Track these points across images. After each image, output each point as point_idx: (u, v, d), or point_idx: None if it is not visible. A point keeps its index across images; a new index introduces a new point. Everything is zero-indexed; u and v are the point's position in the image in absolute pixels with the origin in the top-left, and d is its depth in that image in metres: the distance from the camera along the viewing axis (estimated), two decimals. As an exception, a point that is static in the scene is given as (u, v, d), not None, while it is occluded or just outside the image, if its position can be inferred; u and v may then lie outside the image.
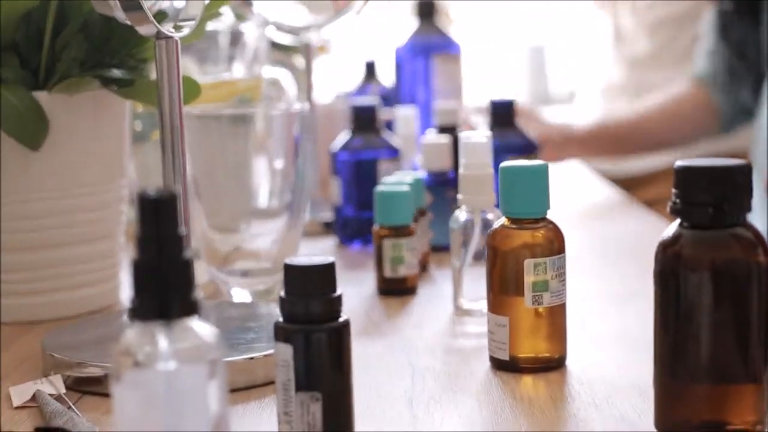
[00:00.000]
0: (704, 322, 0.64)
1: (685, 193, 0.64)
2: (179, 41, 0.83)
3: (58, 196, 0.98)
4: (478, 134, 0.99)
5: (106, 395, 0.76)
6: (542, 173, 0.80)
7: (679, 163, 0.65)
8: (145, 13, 0.80)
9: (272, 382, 0.77)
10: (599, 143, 1.71)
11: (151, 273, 0.51)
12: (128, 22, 0.81)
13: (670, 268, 0.65)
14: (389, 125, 1.58)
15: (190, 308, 0.52)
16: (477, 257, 0.95)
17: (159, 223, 0.51)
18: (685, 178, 0.64)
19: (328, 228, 1.35)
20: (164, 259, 0.51)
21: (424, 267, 1.12)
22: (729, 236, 0.64)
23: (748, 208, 0.64)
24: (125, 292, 1.06)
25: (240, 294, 1.01)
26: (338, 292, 0.64)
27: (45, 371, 0.82)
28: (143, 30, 0.82)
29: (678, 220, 0.65)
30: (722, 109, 1.73)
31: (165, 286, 0.51)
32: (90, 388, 0.78)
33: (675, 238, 0.65)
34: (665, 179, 1.85)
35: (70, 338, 0.86)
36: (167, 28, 0.82)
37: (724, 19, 1.70)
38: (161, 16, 0.83)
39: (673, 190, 0.65)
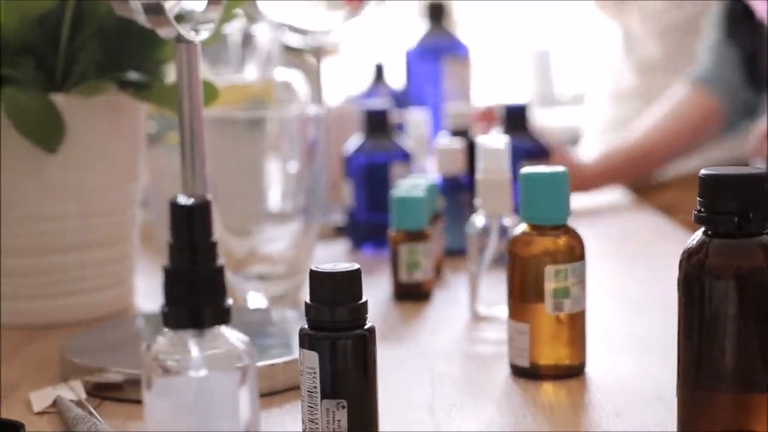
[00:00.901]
0: (729, 330, 0.63)
1: (711, 201, 0.64)
2: (199, 45, 0.83)
3: (73, 198, 0.98)
4: (496, 139, 0.99)
5: (127, 401, 0.76)
6: (562, 180, 0.80)
7: (704, 171, 0.65)
8: (165, 16, 0.79)
9: (293, 388, 0.77)
10: (613, 174, 1.71)
11: (183, 281, 0.51)
12: (149, 25, 0.80)
13: (695, 276, 0.64)
14: (399, 127, 1.57)
15: (222, 316, 0.51)
16: (494, 263, 0.95)
17: (191, 231, 0.51)
18: (711, 186, 0.64)
19: (339, 231, 1.35)
20: (197, 267, 0.51)
21: (438, 271, 1.12)
22: (755, 245, 0.64)
23: (774, 217, 0.64)
24: (139, 296, 1.06)
25: (256, 298, 1.01)
26: (363, 298, 0.64)
27: (64, 376, 0.81)
28: (163, 33, 0.81)
29: (702, 228, 0.65)
30: (726, 109, 1.73)
31: (197, 294, 0.51)
32: (110, 393, 0.77)
33: (700, 246, 0.65)
34: (679, 185, 1.84)
35: (88, 343, 0.86)
36: (187, 31, 0.82)
37: (733, 19, 1.68)
38: (179, 18, 0.83)
39: (698, 199, 0.65)
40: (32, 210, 0.97)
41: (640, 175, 1.78)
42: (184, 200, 0.51)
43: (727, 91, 1.71)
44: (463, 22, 3.54)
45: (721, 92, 1.72)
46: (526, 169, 0.81)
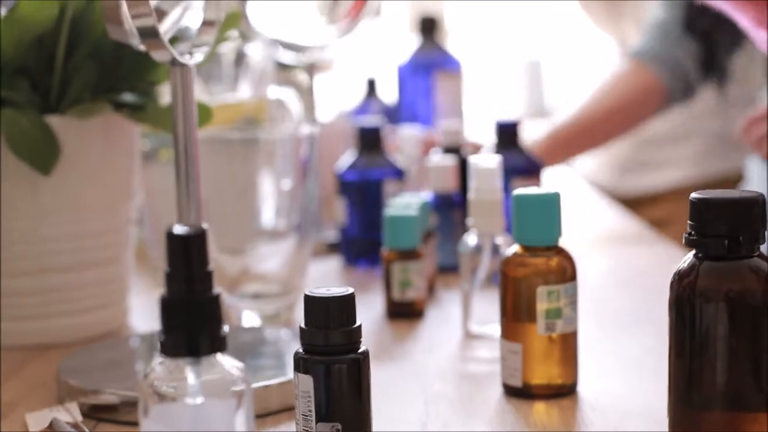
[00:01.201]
0: (719, 351, 0.64)
1: (701, 224, 0.65)
2: (194, 68, 0.84)
3: (67, 220, 0.98)
4: (488, 158, 0.99)
5: (123, 422, 0.76)
6: (555, 202, 0.81)
7: (694, 195, 0.66)
8: (160, 40, 0.80)
9: (287, 409, 0.78)
10: (557, 152, 1.70)
11: (180, 310, 0.51)
12: (144, 49, 0.81)
13: (686, 299, 0.65)
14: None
15: (218, 344, 0.52)
16: (486, 281, 0.96)
17: (188, 260, 0.51)
18: (701, 209, 0.65)
19: (332, 248, 1.35)
20: (193, 296, 0.51)
21: (430, 288, 1.13)
22: (744, 267, 0.65)
23: (763, 240, 0.65)
24: (133, 315, 1.06)
25: (249, 317, 1.01)
26: (357, 322, 0.65)
27: (60, 398, 0.82)
28: (158, 56, 0.82)
29: (693, 251, 0.66)
30: (666, 85, 1.72)
31: (193, 323, 0.51)
32: (106, 415, 0.78)
33: (690, 269, 0.66)
34: (671, 199, 1.85)
35: (84, 363, 0.86)
36: (181, 54, 0.82)
37: (695, 8, 1.67)
38: (174, 40, 0.84)
39: (689, 222, 0.66)
40: (28, 231, 0.97)
41: (584, 151, 1.77)
42: (180, 229, 0.51)
43: (669, 68, 1.70)
44: (454, 33, 3.55)
45: (661, 68, 1.70)
46: (519, 191, 0.81)
